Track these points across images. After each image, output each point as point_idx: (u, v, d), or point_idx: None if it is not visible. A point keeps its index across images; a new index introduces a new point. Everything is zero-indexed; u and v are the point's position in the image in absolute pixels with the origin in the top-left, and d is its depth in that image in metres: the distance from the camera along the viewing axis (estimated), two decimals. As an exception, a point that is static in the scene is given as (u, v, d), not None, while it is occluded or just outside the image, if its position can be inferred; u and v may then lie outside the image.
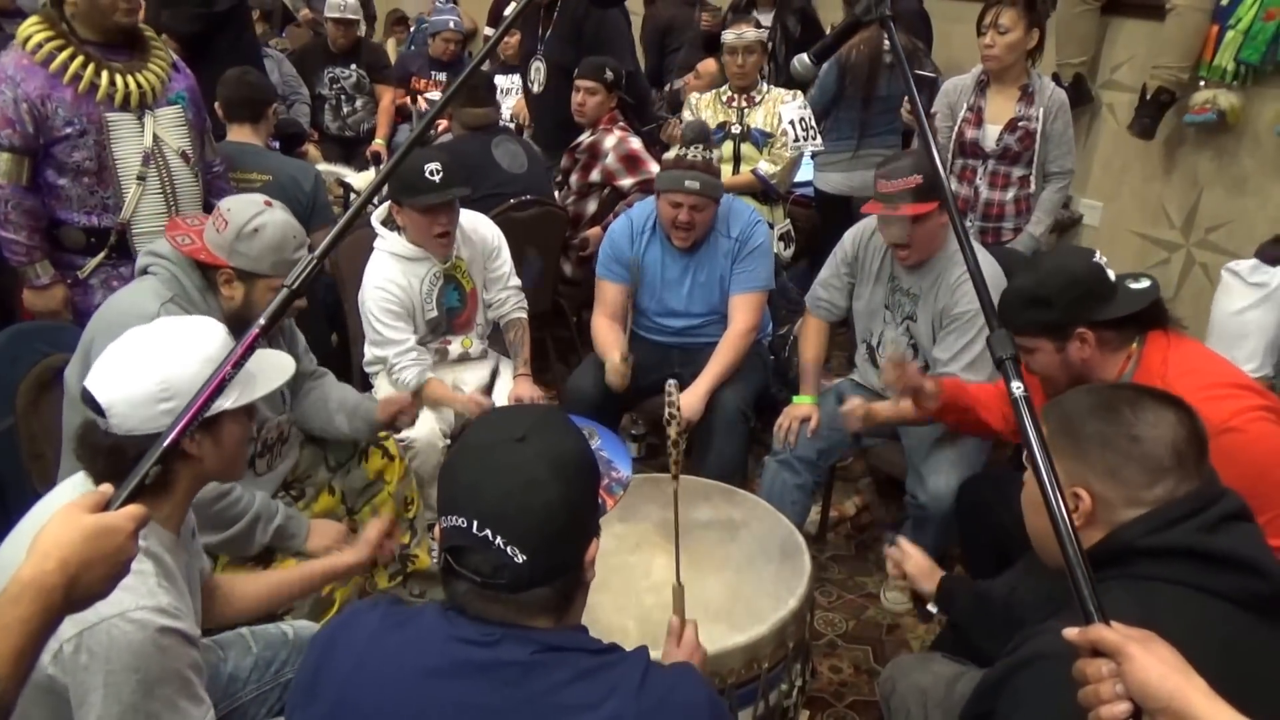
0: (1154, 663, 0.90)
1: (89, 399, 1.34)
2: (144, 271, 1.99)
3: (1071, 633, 0.95)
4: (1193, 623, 1.11)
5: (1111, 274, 1.91)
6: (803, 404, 2.73)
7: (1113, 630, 0.93)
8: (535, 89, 4.13)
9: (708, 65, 4.37)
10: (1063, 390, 1.93)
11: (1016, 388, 1.03)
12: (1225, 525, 1.17)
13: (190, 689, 1.30)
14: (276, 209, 2.00)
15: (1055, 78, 3.83)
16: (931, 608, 1.89)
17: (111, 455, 1.33)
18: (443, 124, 4.12)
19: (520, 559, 1.04)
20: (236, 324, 1.95)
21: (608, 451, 2.41)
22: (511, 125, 4.57)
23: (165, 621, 1.26)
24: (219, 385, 1.08)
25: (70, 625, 1.20)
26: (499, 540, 1.04)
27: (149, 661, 1.23)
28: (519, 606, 1.07)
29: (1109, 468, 1.23)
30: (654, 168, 3.59)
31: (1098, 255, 1.93)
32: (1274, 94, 3.61)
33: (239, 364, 1.10)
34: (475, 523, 1.05)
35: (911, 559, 1.92)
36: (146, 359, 1.36)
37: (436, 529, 1.11)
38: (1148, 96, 3.81)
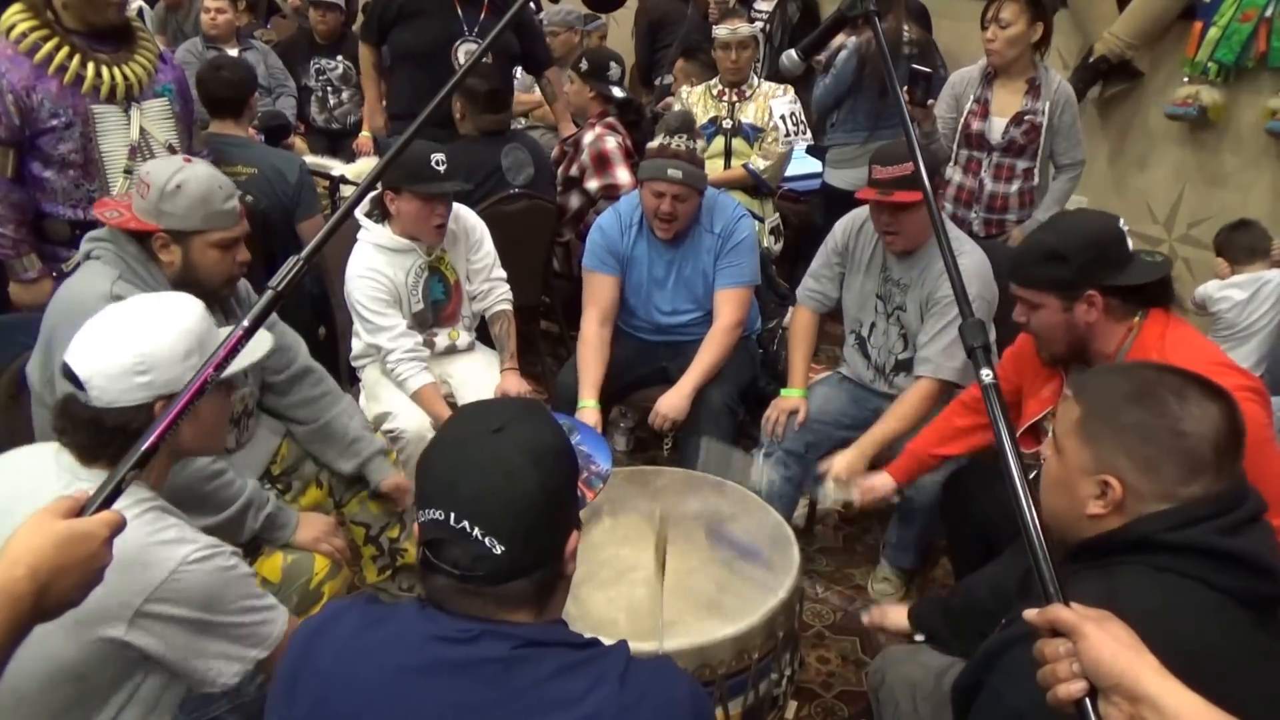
0: (1107, 641, 0.91)
1: (68, 373, 1.38)
2: (87, 256, 1.98)
3: (1031, 614, 0.96)
4: (1194, 615, 1.11)
5: (1130, 243, 1.89)
6: (791, 397, 2.75)
7: (1069, 610, 0.93)
8: None
9: (678, 66, 4.41)
10: (1059, 355, 1.95)
11: (985, 375, 1.03)
12: (1245, 527, 1.15)
13: (255, 587, 1.46)
14: (197, 164, 1.97)
15: (1101, 60, 3.83)
16: (919, 637, 1.92)
17: (91, 426, 1.38)
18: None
19: (499, 550, 1.03)
20: (183, 290, 1.93)
21: (587, 446, 2.41)
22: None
23: (218, 549, 1.39)
24: (200, 389, 1.07)
25: (132, 594, 1.30)
26: (477, 531, 1.03)
27: (227, 588, 1.39)
28: (498, 600, 1.07)
29: (1148, 461, 1.18)
30: (621, 173, 3.58)
31: (1121, 222, 1.91)
32: (1256, 91, 3.65)
33: (221, 366, 1.09)
34: (452, 515, 1.04)
35: (885, 615, 2.00)
36: (124, 333, 1.41)
37: (415, 525, 1.11)
38: (1089, 60, 3.85)
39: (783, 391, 2.78)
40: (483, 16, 3.78)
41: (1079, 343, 1.89)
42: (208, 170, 1.97)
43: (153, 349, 1.39)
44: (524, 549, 1.05)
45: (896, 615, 1.98)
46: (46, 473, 1.40)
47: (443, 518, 1.05)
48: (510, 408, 1.17)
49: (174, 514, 1.42)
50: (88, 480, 1.37)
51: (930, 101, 3.19)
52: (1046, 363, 2.02)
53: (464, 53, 3.79)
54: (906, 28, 3.70)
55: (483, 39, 3.77)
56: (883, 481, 2.37)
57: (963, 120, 3.23)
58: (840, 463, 2.45)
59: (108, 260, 1.93)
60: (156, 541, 1.35)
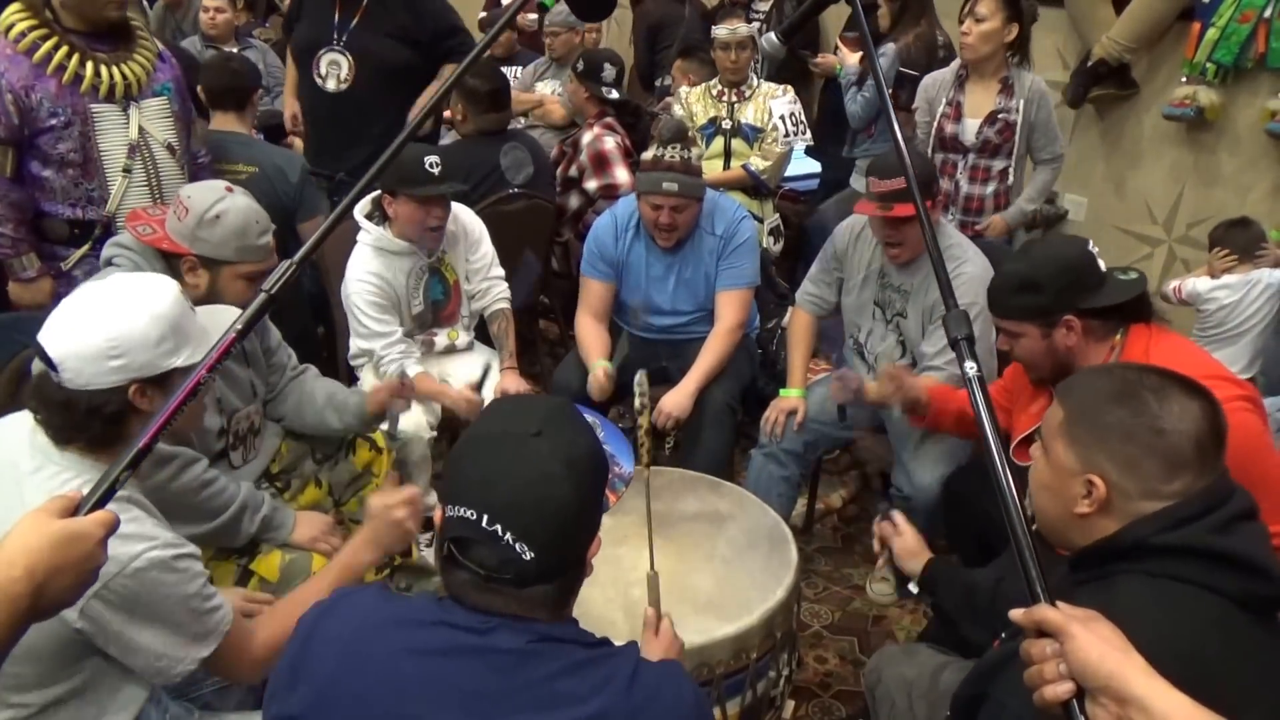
0: (1094, 641, 0.90)
1: (42, 353, 1.38)
2: (109, 263, 1.99)
3: (1017, 614, 0.95)
4: (1193, 620, 1.11)
5: (1102, 264, 1.93)
6: (790, 396, 2.75)
7: (1056, 610, 0.93)
8: (331, 86, 3.46)
9: (676, 65, 4.40)
10: (1046, 378, 1.97)
11: (970, 367, 1.03)
12: (1235, 525, 1.15)
13: (208, 588, 1.44)
14: (238, 194, 1.98)
15: (1100, 64, 3.84)
16: (913, 588, 1.88)
17: (63, 408, 1.37)
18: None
19: (528, 555, 1.04)
20: None
21: (611, 446, 2.37)
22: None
23: (175, 551, 1.37)
24: (193, 389, 1.08)
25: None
26: (508, 536, 1.03)
27: (176, 585, 1.37)
28: (520, 601, 1.07)
29: (1129, 459, 1.19)
30: (619, 173, 3.59)
31: (1090, 245, 1.95)
32: (1254, 92, 3.65)
33: (214, 369, 1.10)
34: (485, 516, 1.04)
35: (902, 536, 1.91)
36: (98, 316, 1.39)
37: (437, 514, 1.10)
38: (1088, 64, 3.86)
39: (781, 391, 2.78)
40: (354, 23, 3.42)
41: (1062, 366, 1.92)
42: (247, 203, 1.99)
43: (126, 333, 1.38)
44: (553, 556, 1.06)
45: (913, 559, 1.87)
46: (20, 447, 1.39)
47: (474, 518, 1.05)
48: (547, 409, 1.15)
49: (139, 505, 1.41)
50: (58, 464, 1.38)
51: (914, 107, 3.19)
52: (1035, 384, 2.05)
53: (325, 62, 3.45)
54: (939, 32, 3.71)
55: (347, 49, 3.42)
56: (918, 385, 2.32)
57: (936, 123, 3.23)
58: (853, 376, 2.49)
59: (127, 271, 1.94)
60: (116, 534, 1.34)
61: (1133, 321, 1.91)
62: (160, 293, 1.47)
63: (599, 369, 2.74)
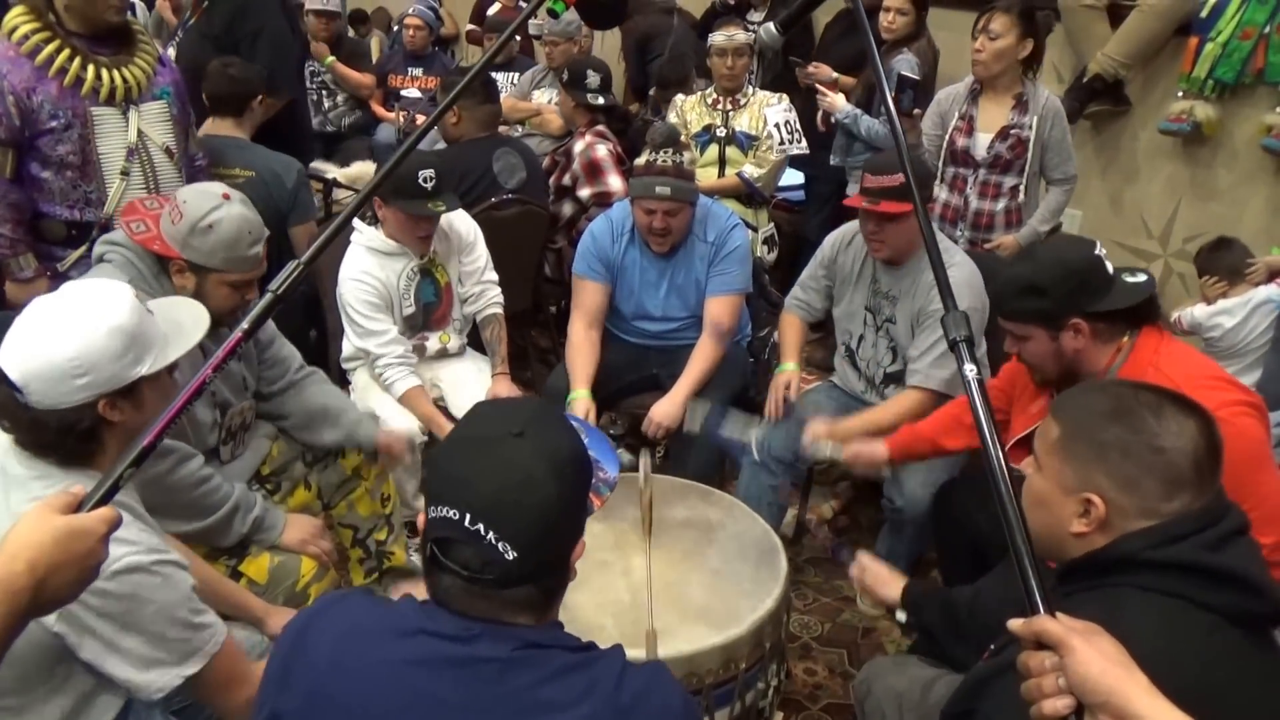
0: (1095, 656, 0.88)
1: (2, 376, 1.32)
2: (101, 259, 1.99)
3: (1016, 624, 0.94)
4: (1189, 636, 1.10)
5: (1110, 266, 1.88)
6: (785, 371, 2.75)
7: (1056, 622, 0.91)
8: None
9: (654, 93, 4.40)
10: (1051, 379, 1.95)
11: (969, 369, 1.02)
12: (1228, 542, 1.14)
13: (196, 602, 1.40)
14: (235, 203, 1.97)
15: (1096, 79, 3.86)
16: (900, 615, 1.88)
17: (33, 426, 1.34)
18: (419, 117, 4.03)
19: (511, 555, 1.03)
20: None
21: (595, 452, 2.37)
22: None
23: (158, 556, 1.35)
24: (199, 388, 1.07)
25: None
26: (491, 535, 1.03)
27: (159, 592, 1.34)
28: (503, 603, 1.07)
29: (1128, 478, 1.17)
30: (613, 180, 3.60)
31: (1098, 248, 1.91)
32: (1252, 106, 3.66)
33: (219, 368, 1.10)
34: (468, 516, 1.03)
35: (868, 570, 1.94)
36: (56, 333, 1.33)
37: (421, 518, 1.10)
38: (1084, 80, 3.87)
39: (778, 368, 2.79)
40: (192, 21, 3.50)
41: (1070, 367, 1.90)
42: (241, 212, 1.97)
43: (87, 349, 1.33)
44: (535, 556, 1.05)
45: (889, 588, 1.90)
46: (6, 455, 1.37)
47: (456, 517, 1.04)
48: (530, 410, 1.15)
49: (128, 508, 1.37)
50: (42, 474, 1.35)
51: (917, 111, 3.17)
52: (1039, 384, 2.03)
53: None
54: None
55: (180, 49, 3.48)
56: (875, 450, 2.33)
57: (948, 136, 3.22)
58: (820, 426, 2.45)
59: (119, 265, 1.95)
60: None
61: (1141, 323, 1.87)
62: (115, 303, 1.39)
63: (578, 403, 2.71)
